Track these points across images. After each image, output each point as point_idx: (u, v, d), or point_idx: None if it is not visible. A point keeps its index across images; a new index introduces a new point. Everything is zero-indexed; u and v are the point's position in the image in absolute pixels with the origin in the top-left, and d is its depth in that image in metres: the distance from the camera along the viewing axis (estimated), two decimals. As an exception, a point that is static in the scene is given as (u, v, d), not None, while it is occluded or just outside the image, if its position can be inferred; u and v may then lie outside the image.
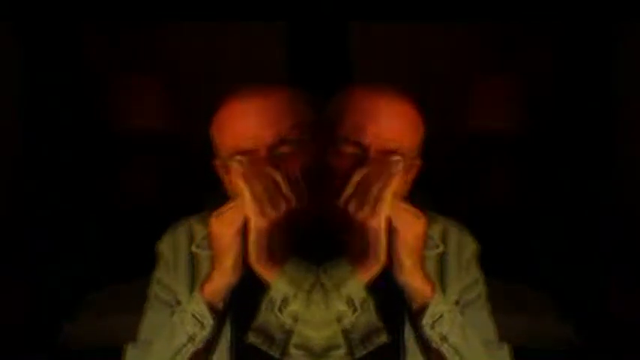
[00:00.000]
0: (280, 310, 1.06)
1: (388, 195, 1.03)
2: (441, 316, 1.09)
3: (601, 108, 2.63)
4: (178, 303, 1.16)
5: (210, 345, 1.10)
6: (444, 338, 1.09)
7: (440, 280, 1.19)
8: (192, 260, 1.21)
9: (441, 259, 1.22)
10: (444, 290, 1.17)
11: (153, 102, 2.75)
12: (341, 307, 1.07)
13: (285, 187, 1.04)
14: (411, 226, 1.06)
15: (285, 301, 1.06)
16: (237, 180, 1.09)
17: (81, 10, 2.57)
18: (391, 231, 1.05)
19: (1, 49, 2.51)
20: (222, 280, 1.08)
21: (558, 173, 2.77)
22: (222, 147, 1.14)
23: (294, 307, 1.06)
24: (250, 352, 1.09)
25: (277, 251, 1.05)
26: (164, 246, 1.24)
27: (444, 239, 1.23)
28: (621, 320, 2.41)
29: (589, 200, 2.66)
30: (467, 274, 1.22)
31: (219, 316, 1.10)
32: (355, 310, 1.07)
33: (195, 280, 1.18)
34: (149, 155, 2.81)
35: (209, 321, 1.08)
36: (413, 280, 1.08)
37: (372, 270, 1.05)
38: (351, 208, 1.03)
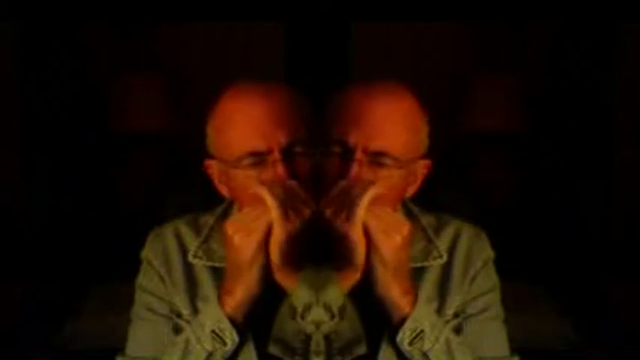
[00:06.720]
0: (302, 317, 1.01)
1: (364, 202, 0.99)
2: (422, 331, 1.02)
3: (601, 108, 2.63)
4: (179, 315, 1.10)
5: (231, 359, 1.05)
6: (424, 355, 1.03)
7: (440, 290, 1.11)
8: (189, 270, 1.12)
9: (445, 268, 1.13)
10: (443, 301, 1.11)
11: (153, 102, 2.75)
12: (318, 313, 1.02)
13: (303, 192, 1.01)
14: (387, 237, 0.99)
15: (307, 308, 1.01)
16: (251, 185, 1.03)
17: (82, 10, 2.58)
18: (368, 241, 1.00)
19: (1, 49, 2.52)
20: (245, 293, 1.01)
21: (558, 172, 2.77)
22: (227, 147, 1.06)
23: (317, 313, 1.01)
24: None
25: (298, 257, 1.01)
26: (151, 254, 1.14)
27: (452, 247, 1.14)
28: (620, 319, 2.41)
29: (588, 199, 2.66)
30: (473, 285, 1.13)
31: (243, 329, 1.03)
32: (333, 316, 1.02)
33: (195, 289, 1.10)
34: (149, 155, 2.82)
35: (232, 336, 1.02)
36: (388, 293, 1.02)
37: (349, 279, 1.01)
38: (329, 213, 1.00)
